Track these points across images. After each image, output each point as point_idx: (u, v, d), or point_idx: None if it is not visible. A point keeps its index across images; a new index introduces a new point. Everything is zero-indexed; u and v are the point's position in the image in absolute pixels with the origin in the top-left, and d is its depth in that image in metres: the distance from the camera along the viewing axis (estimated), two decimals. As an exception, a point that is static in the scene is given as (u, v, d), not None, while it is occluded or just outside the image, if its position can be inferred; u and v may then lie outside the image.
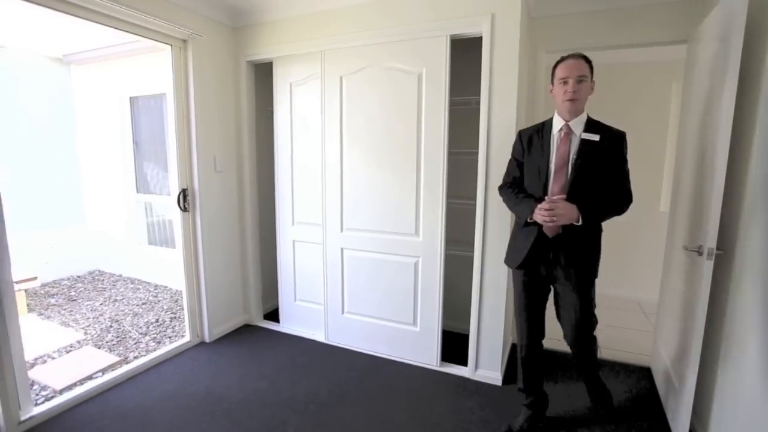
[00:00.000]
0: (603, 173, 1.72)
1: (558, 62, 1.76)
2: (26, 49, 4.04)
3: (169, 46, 2.55)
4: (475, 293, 2.36)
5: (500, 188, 2.00)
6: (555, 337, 2.14)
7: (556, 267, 1.81)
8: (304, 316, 3.00)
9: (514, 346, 2.80)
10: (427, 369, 2.53)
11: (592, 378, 2.03)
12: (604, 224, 1.80)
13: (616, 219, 1.78)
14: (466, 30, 2.21)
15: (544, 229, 1.77)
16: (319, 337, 2.92)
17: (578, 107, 1.73)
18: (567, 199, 1.71)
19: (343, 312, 2.79)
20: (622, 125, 1.80)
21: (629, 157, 1.78)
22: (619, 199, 1.75)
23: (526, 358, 1.96)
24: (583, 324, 1.84)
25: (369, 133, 2.53)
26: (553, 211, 1.66)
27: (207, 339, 2.88)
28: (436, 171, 2.37)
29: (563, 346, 2.09)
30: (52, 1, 1.95)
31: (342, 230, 2.70)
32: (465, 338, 2.59)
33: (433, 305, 2.49)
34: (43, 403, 2.13)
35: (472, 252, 2.36)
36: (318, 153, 2.72)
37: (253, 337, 2.96)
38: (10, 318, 1.89)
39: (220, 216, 2.91)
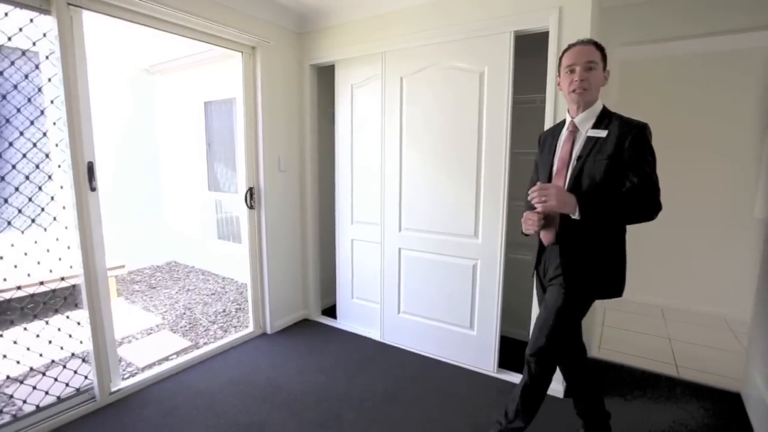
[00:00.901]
0: (611, 175, 1.45)
1: (564, 50, 1.59)
2: (121, 61, 4.51)
3: (240, 53, 2.72)
4: (535, 298, 2.26)
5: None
6: (623, 350, 2.00)
7: (546, 276, 1.66)
8: (361, 313, 3.06)
9: (577, 357, 2.65)
10: (483, 374, 2.47)
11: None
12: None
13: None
14: (531, 25, 2.13)
15: (541, 236, 1.64)
16: (375, 335, 2.95)
17: (587, 99, 1.53)
18: None
19: (399, 312, 2.80)
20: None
21: (660, 155, 1.48)
22: (636, 199, 1.41)
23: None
24: (538, 341, 1.59)
25: (428, 133, 2.52)
26: (546, 191, 1.45)
27: (269, 331, 3.02)
28: (497, 171, 2.31)
29: (631, 360, 1.94)
30: (144, 17, 2.16)
31: (400, 230, 2.71)
32: (524, 346, 2.50)
33: (492, 310, 2.42)
34: (128, 378, 2.36)
35: (530, 255, 2.26)
36: (377, 153, 2.76)
37: (312, 332, 3.07)
38: (105, 301, 2.12)
39: (283, 214, 3.04)
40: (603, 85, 1.57)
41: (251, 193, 2.88)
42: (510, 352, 2.65)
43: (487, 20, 2.24)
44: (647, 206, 1.42)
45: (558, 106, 2.09)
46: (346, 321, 3.16)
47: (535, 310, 2.28)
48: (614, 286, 1.56)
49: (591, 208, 1.43)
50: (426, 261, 2.63)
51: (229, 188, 4.50)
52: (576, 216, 1.45)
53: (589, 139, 1.52)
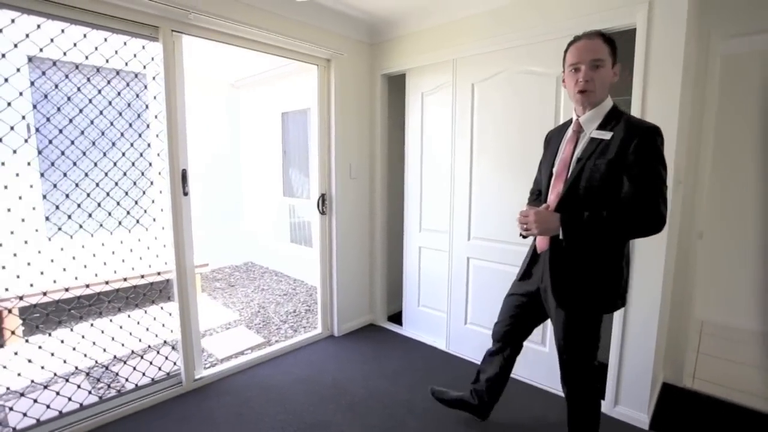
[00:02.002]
0: (612, 181, 1.34)
1: (569, 44, 1.47)
2: (210, 78, 4.97)
3: (316, 66, 2.86)
4: (617, 318, 2.08)
5: (529, 195, 1.85)
6: (720, 381, 1.76)
7: (547, 293, 1.53)
8: (426, 321, 3.04)
9: (666, 386, 2.40)
10: (554, 394, 2.32)
11: None
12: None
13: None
14: (616, 23, 1.99)
15: (536, 242, 1.59)
16: (440, 344, 2.91)
17: (593, 99, 1.42)
18: (560, 209, 1.43)
19: (465, 322, 2.74)
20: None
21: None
22: (630, 214, 1.30)
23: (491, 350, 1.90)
24: (566, 371, 1.54)
25: (500, 140, 2.45)
26: (526, 219, 1.44)
27: (336, 333, 3.11)
28: (574, 179, 2.17)
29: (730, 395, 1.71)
30: (233, 38, 2.36)
31: (469, 239, 2.66)
32: (602, 367, 2.31)
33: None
34: (209, 367, 2.56)
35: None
36: (447, 160, 2.74)
37: (377, 337, 3.10)
38: (192, 295, 2.33)
39: (352, 220, 3.13)
40: (613, 82, 1.44)
41: (323, 199, 3.00)
42: (586, 374, 2.46)
43: (565, 21, 2.13)
44: (645, 225, 1.31)
45: (646, 107, 1.92)
46: (411, 328, 3.16)
47: (653, 333, 2.11)
48: (607, 301, 1.45)
49: (575, 231, 1.37)
50: (495, 271, 2.55)
51: (302, 194, 4.74)
52: (561, 237, 1.39)
53: (592, 140, 1.42)
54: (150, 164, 2.39)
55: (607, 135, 1.39)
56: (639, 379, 2.05)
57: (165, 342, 2.74)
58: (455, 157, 2.68)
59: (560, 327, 1.52)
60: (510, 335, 1.81)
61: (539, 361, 2.40)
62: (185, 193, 2.25)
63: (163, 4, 2.00)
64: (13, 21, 1.81)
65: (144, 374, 2.29)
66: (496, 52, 2.42)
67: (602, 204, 1.37)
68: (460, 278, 2.73)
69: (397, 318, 3.37)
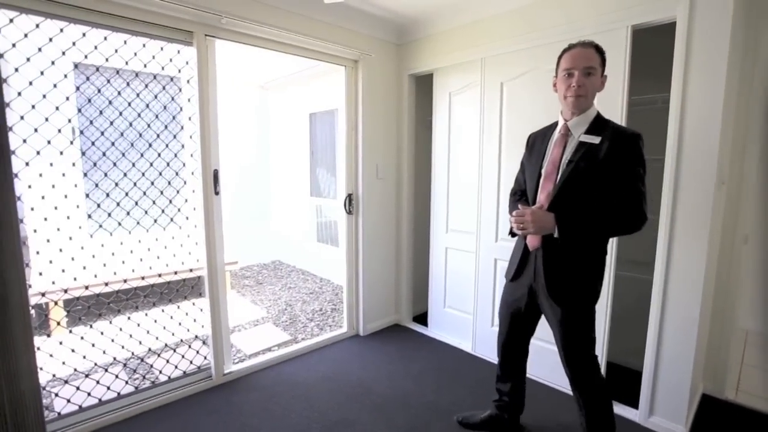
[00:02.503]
0: (600, 182, 1.45)
1: (564, 51, 1.56)
2: (244, 80, 5.10)
3: (344, 67, 2.89)
4: (652, 324, 2.00)
5: (510, 195, 1.87)
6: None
7: (540, 290, 1.61)
8: (452, 323, 3.01)
9: (706, 397, 2.28)
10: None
11: None
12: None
13: None
14: (654, 17, 1.91)
15: (527, 241, 1.62)
16: (466, 346, 2.88)
17: (583, 104, 1.52)
18: (551, 209, 1.50)
19: (492, 324, 2.69)
20: None
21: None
22: (618, 213, 1.43)
23: (499, 361, 1.92)
24: (572, 365, 1.59)
25: (529, 140, 2.40)
26: (522, 218, 1.51)
27: (361, 333, 3.13)
28: (607, 180, 2.10)
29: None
30: (264, 41, 2.41)
31: (497, 240, 2.62)
32: (635, 375, 2.22)
33: (599, 333, 2.17)
34: (238, 363, 2.62)
35: (650, 275, 2.01)
36: (475, 161, 2.70)
37: (402, 337, 3.10)
38: (222, 292, 2.39)
39: (379, 220, 3.14)
40: (599, 91, 1.54)
41: (350, 199, 3.02)
42: (617, 381, 2.38)
43: (598, 16, 2.06)
44: (630, 223, 1.43)
45: (686, 105, 1.83)
46: (436, 329, 3.14)
47: (692, 341, 2.04)
48: (595, 294, 1.55)
49: (570, 229, 1.45)
50: (522, 274, 2.49)
51: (328, 194, 4.79)
52: (556, 235, 1.47)
53: (581, 144, 1.50)
54: (184, 164, 2.47)
55: (596, 139, 1.48)
56: (676, 389, 1.96)
57: (196, 337, 2.83)
58: (483, 157, 2.64)
59: (558, 323, 1.58)
60: (514, 345, 1.86)
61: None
62: (216, 193, 2.32)
63: (198, 10, 2.06)
64: (61, 30, 1.92)
65: (176, 367, 2.38)
66: (525, 50, 2.37)
67: (591, 203, 1.47)
68: (487, 280, 2.69)
69: (422, 319, 3.35)
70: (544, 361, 2.40)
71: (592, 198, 1.47)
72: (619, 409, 2.16)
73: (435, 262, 3.10)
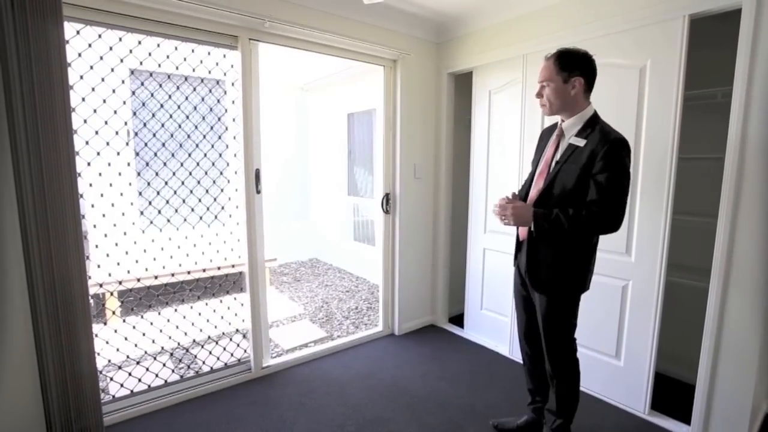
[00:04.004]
0: (581, 185, 1.52)
1: None
2: (285, 82, 5.25)
3: (382, 67, 2.90)
4: (708, 334, 1.86)
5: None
6: None
7: (525, 278, 1.72)
8: (489, 325, 2.94)
9: (769, 417, 2.10)
10: (629, 413, 2.14)
11: (558, 423, 1.74)
12: None
13: None
14: (716, 4, 1.77)
15: (518, 232, 1.74)
16: (503, 350, 2.81)
17: (548, 113, 1.65)
18: (538, 206, 1.59)
19: (529, 329, 2.61)
20: None
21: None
22: (588, 215, 1.48)
23: (522, 357, 1.96)
24: (550, 352, 1.70)
25: (572, 138, 2.31)
26: (504, 211, 1.61)
27: (396, 332, 3.13)
28: (659, 180, 1.98)
29: None
30: (306, 43, 2.47)
31: (534, 242, 2.53)
32: (686, 387, 2.09)
33: (645, 340, 2.08)
34: (276, 357, 2.70)
35: (705, 282, 1.88)
36: (515, 160, 2.63)
37: (437, 338, 3.07)
38: (262, 288, 2.47)
39: (416, 220, 3.13)
40: (573, 95, 1.57)
41: (387, 199, 3.03)
42: (666, 394, 2.25)
43: (651, 6, 1.95)
44: (599, 225, 1.49)
45: (751, 99, 1.69)
46: (473, 331, 3.08)
47: (754, 353, 1.91)
48: (575, 286, 1.63)
49: (542, 228, 1.55)
50: (564, 277, 2.40)
51: (365, 193, 4.83)
52: (532, 229, 1.58)
53: (570, 146, 1.58)
54: (228, 164, 2.58)
55: (581, 142, 1.55)
56: (735, 405, 1.81)
57: (237, 330, 2.94)
58: (523, 157, 2.56)
59: (540, 309, 1.69)
60: (531, 332, 1.87)
61: (612, 376, 2.22)
62: (258, 192, 2.40)
63: (242, 15, 2.14)
64: (120, 39, 2.05)
65: (218, 359, 2.48)
66: (570, 44, 2.26)
67: (573, 203, 1.53)
68: (526, 283, 2.61)
69: (458, 320, 3.30)
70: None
71: (575, 198, 1.53)
72: (666, 422, 2.04)
73: (472, 263, 3.05)
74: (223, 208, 2.70)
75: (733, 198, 1.76)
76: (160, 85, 2.69)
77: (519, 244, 1.78)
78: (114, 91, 2.19)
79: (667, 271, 2.02)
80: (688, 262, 2.32)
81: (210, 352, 2.53)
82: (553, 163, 1.62)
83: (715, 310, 1.83)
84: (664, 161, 1.96)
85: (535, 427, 1.95)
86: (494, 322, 2.90)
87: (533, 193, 1.67)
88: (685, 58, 1.87)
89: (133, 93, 3.45)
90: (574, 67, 1.56)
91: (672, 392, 2.30)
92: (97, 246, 2.48)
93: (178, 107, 2.59)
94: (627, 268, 2.13)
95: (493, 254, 2.87)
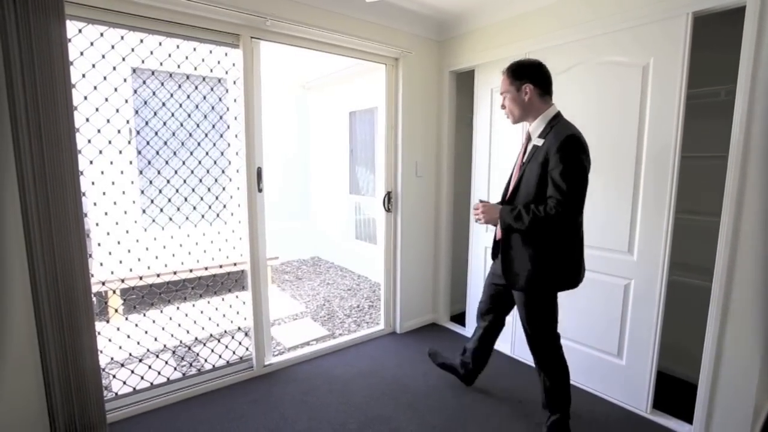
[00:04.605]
0: (542, 183, 1.63)
1: None
2: (286, 80, 5.25)
3: (384, 65, 2.89)
4: (710, 333, 1.86)
5: None
6: None
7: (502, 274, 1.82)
8: (489, 324, 2.94)
9: (771, 416, 2.10)
10: (630, 412, 2.14)
11: (554, 419, 1.83)
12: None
13: None
14: (720, 2, 1.76)
15: (496, 231, 1.85)
16: (505, 349, 2.81)
17: (516, 119, 1.78)
18: (510, 203, 1.74)
19: (531, 328, 2.61)
20: None
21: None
22: (544, 208, 1.59)
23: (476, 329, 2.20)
24: (531, 344, 1.82)
25: (575, 137, 2.30)
26: (477, 211, 1.78)
27: (398, 330, 3.14)
28: (661, 179, 1.98)
29: None
30: (307, 41, 2.46)
31: (536, 240, 2.53)
32: (687, 386, 2.09)
33: (648, 339, 2.08)
34: (278, 355, 2.71)
35: (708, 280, 1.87)
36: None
37: (439, 336, 3.07)
38: (264, 286, 2.47)
39: (417, 218, 3.13)
40: (528, 100, 1.70)
41: (389, 197, 3.03)
42: (668, 393, 2.25)
43: (654, 4, 1.94)
44: (558, 219, 1.56)
45: (755, 97, 1.68)
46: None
47: (756, 354, 1.90)
48: (551, 283, 1.72)
49: (506, 223, 1.69)
50: (566, 276, 2.40)
51: (367, 191, 4.83)
52: (499, 226, 1.74)
53: (533, 146, 1.70)
54: (229, 162, 2.58)
55: (540, 142, 1.66)
56: (737, 405, 1.81)
57: (239, 328, 2.95)
58: (525, 155, 2.56)
59: (519, 305, 1.81)
60: (490, 312, 2.11)
61: (613, 374, 2.22)
62: (260, 190, 2.40)
63: (244, 13, 2.14)
64: (122, 38, 2.05)
65: (220, 356, 2.48)
66: (572, 42, 2.27)
67: (538, 200, 1.64)
68: (528, 282, 2.61)
69: (460, 318, 3.30)
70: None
71: (537, 195, 1.64)
72: (668, 421, 2.04)
73: (474, 262, 3.05)
74: (224, 206, 2.70)
75: (736, 196, 1.75)
76: (162, 84, 2.70)
77: (495, 244, 1.90)
78: (116, 89, 2.20)
79: (670, 269, 2.02)
80: (691, 260, 2.32)
81: (212, 350, 2.54)
82: (522, 165, 1.76)
83: (718, 309, 1.83)
84: (666, 160, 1.95)
85: (454, 371, 2.34)
86: (496, 321, 2.89)
87: (508, 194, 1.81)
88: (688, 56, 1.86)
89: (135, 91, 3.45)
90: (523, 76, 1.71)
91: (674, 391, 2.29)
92: (99, 244, 2.49)
93: (180, 105, 2.59)
94: (629, 267, 2.12)
95: (495, 253, 2.86)
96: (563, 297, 2.44)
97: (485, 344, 2.18)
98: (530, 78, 1.70)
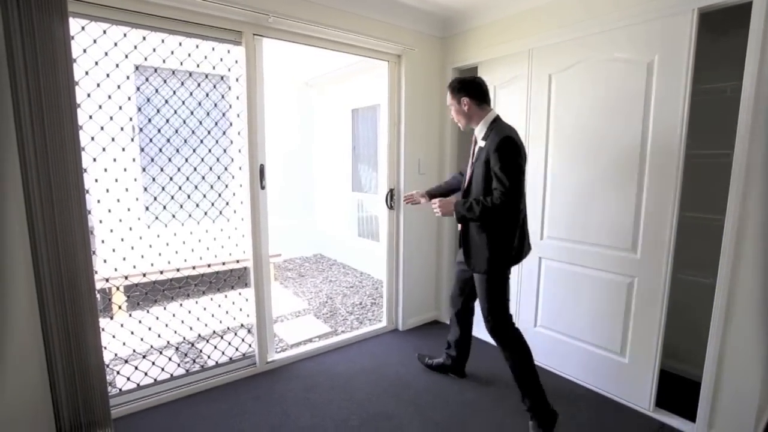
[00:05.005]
0: (487, 179, 1.87)
1: None
2: (289, 77, 5.23)
3: (387, 62, 2.88)
4: (714, 331, 1.85)
5: None
6: None
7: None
8: (491, 322, 2.94)
9: (775, 414, 2.09)
10: (633, 410, 2.13)
11: (524, 393, 1.98)
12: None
13: None
14: (724, -1, 1.75)
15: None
16: (506, 346, 2.81)
17: (464, 126, 2.04)
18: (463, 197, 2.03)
19: (535, 325, 2.61)
20: None
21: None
22: (490, 199, 1.82)
23: (450, 316, 2.44)
24: (490, 322, 2.00)
25: (580, 134, 2.29)
26: (435, 206, 2.01)
27: (400, 327, 3.14)
28: (666, 177, 1.96)
29: None
30: (309, 39, 2.46)
31: (542, 238, 2.53)
32: (691, 384, 2.09)
33: (651, 337, 2.07)
34: (281, 352, 2.72)
35: (712, 279, 1.86)
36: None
37: (441, 334, 3.07)
38: (267, 283, 2.48)
39: (420, 215, 3.12)
40: (468, 110, 1.97)
41: (392, 195, 3.03)
42: (671, 390, 2.24)
43: (659, 0, 1.92)
44: (502, 207, 1.80)
45: (761, 94, 1.67)
46: (477, 327, 3.06)
47: (762, 351, 1.90)
48: (499, 265, 1.94)
49: (460, 214, 1.92)
50: (570, 273, 2.40)
51: (370, 189, 4.83)
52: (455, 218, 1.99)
53: (479, 148, 1.95)
54: (232, 160, 2.58)
55: (483, 143, 1.92)
56: (740, 403, 1.81)
57: (242, 325, 2.96)
58: (529, 152, 2.54)
59: (480, 287, 2.00)
60: (459, 299, 2.35)
61: (616, 372, 2.21)
62: (262, 187, 2.40)
63: (246, 10, 2.13)
64: (125, 35, 2.05)
65: (223, 353, 2.50)
66: (576, 39, 2.26)
67: (486, 194, 1.88)
68: (531, 278, 2.60)
69: (461, 317, 3.30)
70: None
71: (485, 189, 1.89)
72: (671, 419, 2.04)
73: (476, 260, 3.04)
74: (227, 203, 2.70)
75: (741, 194, 1.74)
76: (165, 81, 2.70)
77: (459, 234, 2.11)
78: (119, 86, 2.20)
79: (674, 267, 2.01)
80: (696, 259, 2.31)
81: (215, 347, 2.55)
82: (471, 164, 2.01)
83: (722, 308, 1.82)
84: (671, 157, 1.94)
85: (443, 368, 2.49)
86: (498, 318, 2.89)
87: (463, 191, 2.08)
88: (693, 53, 1.85)
89: (138, 89, 3.46)
90: (461, 91, 1.97)
91: (677, 389, 2.29)
92: (103, 241, 2.50)
93: (183, 103, 2.59)
94: (633, 265, 2.12)
95: (498, 250, 2.86)
96: (567, 294, 2.44)
97: (463, 332, 2.41)
98: (467, 92, 1.96)
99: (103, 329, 1.89)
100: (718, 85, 2.14)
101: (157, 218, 2.60)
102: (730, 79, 2.04)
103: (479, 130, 1.97)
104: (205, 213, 2.74)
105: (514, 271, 2.71)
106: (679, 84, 1.89)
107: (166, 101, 2.56)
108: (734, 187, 1.76)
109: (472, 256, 2.00)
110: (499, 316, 1.98)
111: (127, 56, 2.15)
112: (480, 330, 3.03)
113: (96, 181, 2.21)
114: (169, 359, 2.43)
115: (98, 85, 2.07)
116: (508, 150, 1.81)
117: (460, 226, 2.06)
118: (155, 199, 2.59)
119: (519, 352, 1.97)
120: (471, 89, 1.97)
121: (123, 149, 2.36)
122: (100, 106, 2.06)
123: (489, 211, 1.82)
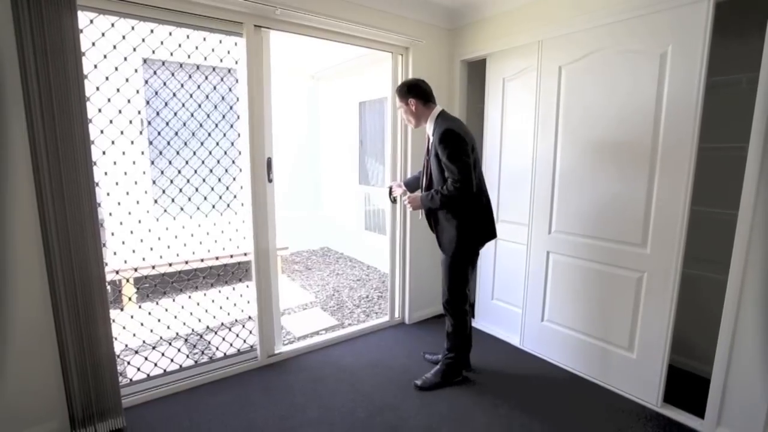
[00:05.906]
0: (439, 169, 2.06)
1: None
2: (296, 70, 5.22)
3: (393, 54, 2.86)
4: (725, 327, 1.83)
5: None
6: None
7: None
8: (500, 316, 2.94)
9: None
10: (641, 406, 2.12)
11: (450, 348, 2.32)
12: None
13: None
14: (742, -12, 1.70)
15: None
16: (513, 340, 2.81)
17: (415, 125, 2.21)
18: (425, 191, 2.21)
19: (542, 319, 2.60)
20: None
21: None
22: (446, 188, 2.01)
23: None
24: (444, 296, 2.26)
25: (589, 127, 2.26)
26: (406, 200, 2.22)
27: (407, 321, 3.15)
28: (678, 171, 1.93)
29: None
30: (316, 30, 2.44)
31: (550, 232, 2.51)
32: (700, 381, 2.07)
33: (660, 333, 2.06)
34: (288, 344, 2.74)
35: (724, 275, 1.84)
36: (529, 149, 2.59)
37: (447, 327, 3.07)
38: (274, 276, 2.49)
39: (425, 209, 3.11)
40: (415, 110, 2.15)
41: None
42: (679, 386, 2.23)
43: (675, -10, 1.87)
44: (458, 194, 1.98)
45: (777, 87, 1.63)
46: (483, 321, 3.08)
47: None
48: (462, 248, 2.15)
49: (427, 206, 2.15)
50: (578, 268, 2.38)
51: (376, 182, 4.82)
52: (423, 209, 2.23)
53: (431, 143, 2.11)
54: (240, 153, 2.58)
55: (432, 137, 2.09)
56: (750, 400, 1.79)
57: (250, 317, 2.98)
58: (538, 145, 2.52)
59: (445, 267, 2.22)
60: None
61: (624, 367, 2.20)
62: (270, 180, 2.40)
63: (253, 2, 2.12)
64: (133, 28, 2.06)
65: (231, 345, 2.52)
66: (588, 30, 2.22)
67: (441, 183, 2.07)
68: (539, 273, 2.59)
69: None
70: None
71: (440, 179, 2.07)
72: (679, 415, 2.02)
73: (483, 252, 3.02)
74: (235, 196, 2.71)
75: (755, 189, 1.71)
76: (173, 74, 2.70)
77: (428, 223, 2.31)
78: (127, 80, 2.21)
79: (684, 263, 1.98)
80: (707, 254, 2.28)
81: (223, 339, 2.58)
82: (426, 159, 2.19)
83: (733, 303, 1.80)
84: (684, 150, 1.90)
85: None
86: (505, 312, 2.89)
87: (424, 183, 2.24)
88: (708, 44, 1.80)
89: (146, 82, 3.47)
90: (406, 94, 2.15)
91: (686, 385, 2.27)
92: (113, 233, 2.52)
93: (191, 96, 2.59)
94: (642, 260, 2.09)
95: (505, 244, 2.85)
96: (575, 289, 2.42)
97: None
98: (414, 94, 2.14)
99: (113, 320, 1.92)
100: (735, 76, 2.09)
101: (165, 211, 2.62)
102: (747, 71, 2.00)
103: (429, 127, 2.14)
104: (214, 206, 2.75)
105: (522, 266, 2.71)
106: (692, 75, 1.85)
107: (174, 94, 2.56)
108: (748, 181, 1.72)
109: (442, 241, 2.20)
110: (456, 293, 2.21)
111: (135, 49, 2.16)
112: (480, 321, 3.04)
113: (105, 174, 2.23)
114: (178, 350, 2.46)
115: (107, 78, 2.08)
116: (449, 140, 1.98)
117: (421, 213, 2.31)
118: (164, 191, 2.60)
119: (462, 324, 2.27)
120: (416, 91, 2.15)
121: (132, 142, 2.38)
122: (109, 100, 2.07)
123: (447, 198, 2.01)
